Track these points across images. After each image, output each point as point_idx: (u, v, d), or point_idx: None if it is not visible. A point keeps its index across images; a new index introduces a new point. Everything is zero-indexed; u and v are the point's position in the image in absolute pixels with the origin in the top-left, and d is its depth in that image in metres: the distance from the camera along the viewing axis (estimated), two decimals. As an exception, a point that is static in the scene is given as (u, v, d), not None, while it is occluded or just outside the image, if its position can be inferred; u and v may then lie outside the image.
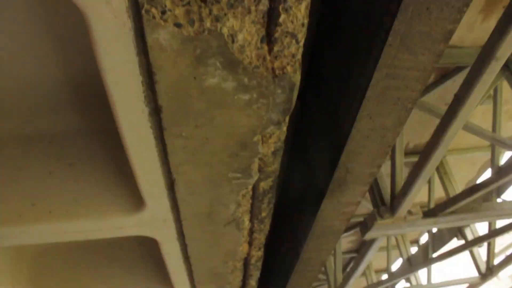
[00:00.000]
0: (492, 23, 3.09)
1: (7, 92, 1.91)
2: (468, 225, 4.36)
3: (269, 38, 1.07)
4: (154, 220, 1.86)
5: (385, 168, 3.27)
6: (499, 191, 3.57)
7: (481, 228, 4.67)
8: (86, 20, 1.00)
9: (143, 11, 0.97)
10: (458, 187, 4.35)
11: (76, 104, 1.95)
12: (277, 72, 1.14)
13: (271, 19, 1.03)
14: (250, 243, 2.27)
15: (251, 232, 2.15)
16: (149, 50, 1.05)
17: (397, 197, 2.38)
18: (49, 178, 1.97)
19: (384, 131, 1.59)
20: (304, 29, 1.08)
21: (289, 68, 1.14)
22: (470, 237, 4.42)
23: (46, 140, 2.04)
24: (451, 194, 4.04)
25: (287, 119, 1.31)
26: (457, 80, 3.46)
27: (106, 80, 1.14)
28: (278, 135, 1.40)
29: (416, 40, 1.26)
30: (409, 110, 1.53)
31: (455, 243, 5.02)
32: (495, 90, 3.32)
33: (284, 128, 1.38)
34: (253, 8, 1.00)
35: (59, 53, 1.73)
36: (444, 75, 3.45)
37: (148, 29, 1.00)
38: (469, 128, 2.76)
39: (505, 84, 3.33)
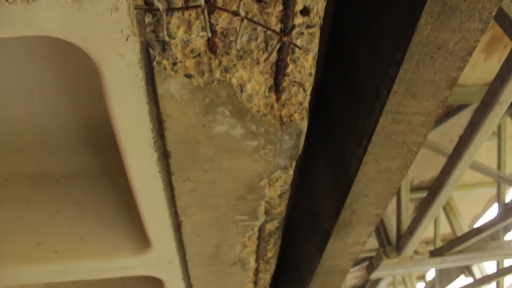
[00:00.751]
0: (494, 62, 3.14)
1: (17, 131, 1.94)
2: (476, 263, 4.31)
3: (277, 87, 1.10)
4: (160, 261, 1.85)
5: (390, 203, 3.26)
6: (507, 229, 3.54)
7: (489, 264, 4.61)
8: (98, 70, 1.03)
9: (154, 63, 1.00)
10: (464, 222, 4.32)
11: (85, 143, 1.97)
12: (284, 119, 1.16)
13: (279, 70, 1.06)
14: (255, 283, 2.25)
15: (257, 272, 2.13)
16: (159, 99, 1.07)
17: (403, 237, 2.37)
18: (56, 217, 1.97)
19: (390, 173, 1.60)
20: (312, 79, 1.10)
21: (296, 116, 1.16)
22: (478, 274, 4.36)
23: (54, 178, 2.05)
24: (457, 230, 4.01)
25: (294, 163, 1.33)
26: (461, 117, 3.48)
27: (116, 126, 1.16)
28: (285, 178, 1.41)
29: (421, 87, 1.28)
30: (415, 153, 1.54)
31: (462, 280, 4.95)
32: (499, 127, 3.33)
33: (291, 172, 1.39)
34: (261, 59, 1.03)
35: (69, 93, 1.77)
36: (448, 113, 3.48)
37: (159, 79, 1.03)
38: (474, 166, 2.76)
39: (508, 121, 3.35)
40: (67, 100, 1.78)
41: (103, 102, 1.14)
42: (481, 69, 3.15)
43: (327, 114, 1.86)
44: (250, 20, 0.87)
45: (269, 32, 0.97)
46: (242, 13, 0.85)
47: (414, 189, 4.24)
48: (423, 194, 4.22)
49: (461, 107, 3.37)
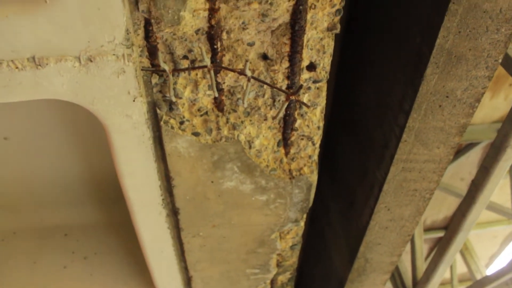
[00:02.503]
0: (500, 100, 3.14)
1: (25, 185, 1.94)
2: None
3: (285, 142, 1.09)
4: (170, 316, 1.80)
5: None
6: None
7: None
8: (106, 130, 1.03)
9: (161, 122, 1.00)
10: (481, 262, 4.20)
11: (93, 197, 1.96)
12: (294, 173, 1.14)
13: (287, 124, 1.05)
14: (268, 336, 2.18)
15: (270, 324, 2.07)
16: (167, 157, 1.07)
17: (419, 283, 2.30)
18: (64, 272, 1.94)
19: (403, 221, 1.57)
20: (320, 132, 1.09)
21: (306, 169, 1.14)
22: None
23: (62, 232, 2.04)
24: (474, 271, 3.90)
25: (305, 216, 1.30)
26: (471, 156, 3.45)
27: (125, 184, 1.15)
28: (296, 230, 1.38)
29: (430, 135, 1.26)
30: (428, 200, 1.52)
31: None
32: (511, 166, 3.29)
33: (302, 224, 1.36)
34: (269, 115, 1.02)
35: (77, 148, 1.77)
36: (457, 152, 3.44)
37: (166, 138, 1.03)
38: (489, 207, 2.70)
39: (520, 159, 3.30)
40: (75, 155, 1.79)
41: (111, 156, 1.14)
42: (488, 107, 3.14)
43: (335, 159, 1.84)
44: (257, 80, 0.87)
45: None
46: (249, 73, 0.85)
47: (427, 229, 4.16)
48: (437, 234, 4.14)
49: (470, 146, 3.34)
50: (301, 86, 0.80)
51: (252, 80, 0.88)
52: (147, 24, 0.86)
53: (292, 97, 0.84)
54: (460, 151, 3.46)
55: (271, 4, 0.84)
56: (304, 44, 0.92)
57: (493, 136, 2.87)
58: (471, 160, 3.50)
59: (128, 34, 0.85)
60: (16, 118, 1.65)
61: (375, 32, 1.38)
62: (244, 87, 0.94)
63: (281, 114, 0.88)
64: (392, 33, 1.25)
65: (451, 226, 1.84)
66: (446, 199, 3.75)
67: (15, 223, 2.06)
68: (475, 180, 1.62)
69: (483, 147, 3.31)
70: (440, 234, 4.13)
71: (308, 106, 0.82)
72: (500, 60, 1.13)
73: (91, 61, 0.89)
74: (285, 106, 0.86)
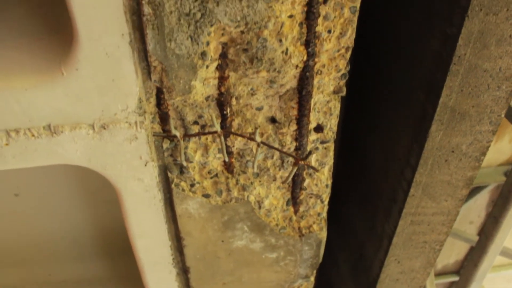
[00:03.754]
0: (504, 143, 3.15)
1: (35, 241, 1.95)
2: None
3: (294, 201, 1.10)
4: None
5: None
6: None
7: None
8: (118, 193, 1.04)
9: (172, 185, 1.02)
10: (495, 307, 4.10)
11: (102, 251, 1.96)
12: (303, 231, 1.15)
13: (295, 184, 1.07)
14: None
15: None
16: (178, 218, 1.08)
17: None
18: (72, 330, 1.91)
19: (413, 273, 1.56)
20: (329, 190, 1.10)
21: (315, 227, 1.15)
22: None
23: (71, 287, 2.02)
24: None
25: (315, 271, 1.29)
26: (479, 199, 3.43)
27: (135, 245, 1.16)
28: (306, 286, 1.37)
29: (437, 188, 1.27)
30: (438, 251, 1.51)
31: None
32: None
33: (312, 279, 1.35)
34: (278, 175, 1.04)
35: (87, 204, 1.79)
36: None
37: (177, 200, 1.04)
38: (501, 252, 2.67)
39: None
40: (84, 210, 1.80)
41: (120, 211, 1.15)
42: (493, 150, 3.15)
43: (343, 211, 1.84)
44: (266, 145, 0.89)
45: (284, 150, 0.99)
46: (258, 139, 0.88)
47: (438, 274, 4.09)
48: (449, 279, 4.06)
49: (477, 189, 3.33)
50: (310, 152, 0.82)
51: (261, 144, 0.91)
52: (159, 92, 0.89)
53: (301, 162, 0.86)
54: (467, 195, 3.45)
55: (278, 72, 0.87)
56: (311, 107, 0.95)
57: (500, 179, 2.87)
58: (479, 203, 3.47)
59: (140, 102, 0.88)
60: (26, 175, 1.67)
61: (380, 86, 1.41)
62: (254, 150, 0.96)
63: (290, 178, 0.90)
64: (396, 89, 1.28)
65: (463, 275, 1.82)
66: (456, 243, 3.70)
67: (24, 278, 2.05)
68: (485, 229, 1.61)
69: (490, 190, 3.29)
70: (452, 278, 4.05)
71: (317, 170, 0.83)
72: (503, 115, 1.16)
73: (104, 128, 0.91)
74: (295, 170, 0.88)
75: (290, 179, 0.90)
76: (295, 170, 0.88)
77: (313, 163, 1.04)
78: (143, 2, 0.76)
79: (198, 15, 0.77)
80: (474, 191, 3.45)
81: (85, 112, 0.90)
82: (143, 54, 0.84)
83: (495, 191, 3.32)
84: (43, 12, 1.07)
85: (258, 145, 0.88)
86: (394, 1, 1.25)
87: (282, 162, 1.02)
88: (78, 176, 1.66)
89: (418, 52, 1.14)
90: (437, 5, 1.04)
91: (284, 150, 0.99)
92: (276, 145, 0.98)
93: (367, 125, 1.53)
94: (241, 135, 0.89)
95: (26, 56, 0.92)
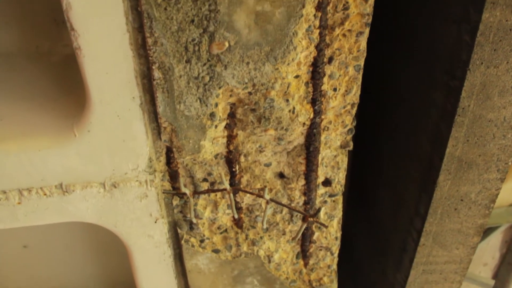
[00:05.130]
0: (515, 182, 3.12)
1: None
2: None
3: (304, 254, 1.09)
4: None
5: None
6: None
7: None
8: (128, 250, 1.05)
9: (182, 241, 1.02)
10: None
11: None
12: (314, 284, 1.14)
13: (305, 237, 1.07)
14: None
15: None
16: (187, 273, 1.07)
17: None
18: None
19: (428, 322, 1.52)
20: (338, 242, 1.10)
21: (325, 279, 1.14)
22: None
23: None
24: None
25: (327, 324, 1.27)
26: (492, 240, 3.38)
27: (145, 300, 1.15)
28: None
29: (448, 237, 1.26)
30: (452, 299, 1.48)
31: None
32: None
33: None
34: (287, 229, 1.04)
35: (97, 256, 1.78)
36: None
37: (187, 255, 1.04)
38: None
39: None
40: (93, 261, 1.79)
41: (129, 264, 1.14)
42: (504, 191, 3.13)
43: (354, 260, 1.82)
44: (275, 202, 0.90)
45: (293, 205, 0.99)
46: (267, 197, 0.88)
47: (453, 317, 3.98)
48: (464, 323, 3.95)
49: (489, 230, 3.29)
50: (319, 210, 0.83)
51: (270, 201, 0.91)
52: (169, 151, 0.91)
53: (310, 219, 0.87)
54: (479, 242, 3.40)
55: (286, 130, 0.89)
56: (319, 162, 0.96)
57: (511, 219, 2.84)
58: (492, 244, 3.42)
59: (150, 162, 0.90)
60: (35, 226, 1.68)
61: (386, 136, 1.42)
62: (263, 206, 0.97)
63: (300, 235, 0.90)
64: (402, 139, 1.29)
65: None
66: (469, 286, 3.63)
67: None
68: (500, 274, 1.59)
69: (503, 231, 3.25)
70: (468, 322, 3.94)
71: (326, 226, 0.84)
72: (510, 163, 1.16)
73: (115, 187, 0.93)
74: (304, 227, 0.88)
75: (299, 235, 0.91)
76: (304, 226, 0.88)
77: (322, 216, 1.05)
78: (154, 67, 0.78)
79: (207, 78, 0.80)
80: (487, 232, 3.40)
81: (96, 171, 0.92)
82: (153, 116, 0.86)
83: (508, 231, 3.28)
84: (57, 72, 1.11)
85: (267, 203, 0.89)
86: (394, 53, 1.28)
87: (291, 216, 1.02)
88: (87, 228, 1.66)
89: (422, 103, 1.16)
90: (438, 59, 1.06)
91: (293, 204, 1.00)
92: (285, 200, 0.99)
93: (375, 175, 1.53)
94: (250, 193, 0.90)
95: (40, 117, 0.95)
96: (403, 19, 1.20)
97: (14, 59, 1.18)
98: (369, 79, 1.37)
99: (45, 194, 0.95)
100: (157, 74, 0.79)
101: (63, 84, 1.05)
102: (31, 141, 0.90)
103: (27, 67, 1.15)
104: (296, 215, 1.02)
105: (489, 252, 3.49)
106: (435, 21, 1.05)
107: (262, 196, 0.89)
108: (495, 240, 3.37)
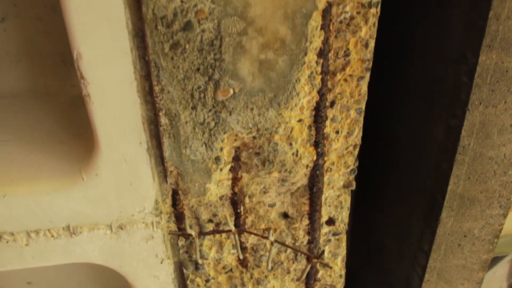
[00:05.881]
0: (520, 211, 3.11)
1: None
2: None
3: (309, 292, 1.10)
4: None
5: None
6: None
7: None
8: (134, 289, 1.05)
9: (188, 281, 1.03)
10: None
11: None
12: (319, 322, 1.14)
13: (309, 276, 1.07)
14: None
15: None
16: (193, 313, 1.08)
17: None
18: None
19: None
20: (342, 280, 1.10)
21: (331, 317, 1.14)
22: None
23: None
24: None
25: None
26: (498, 270, 3.35)
27: None
28: None
29: (453, 273, 1.27)
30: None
31: None
32: (540, 278, 3.18)
33: None
34: (292, 268, 1.05)
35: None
36: (483, 265, 3.35)
37: (192, 295, 1.05)
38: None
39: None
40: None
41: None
42: (510, 218, 3.12)
43: (359, 292, 1.81)
44: (280, 243, 0.91)
45: (297, 244, 1.00)
46: (272, 239, 0.90)
47: None
48: None
49: (496, 259, 3.26)
50: (323, 251, 0.84)
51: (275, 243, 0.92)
52: (175, 193, 0.93)
53: (315, 260, 0.87)
54: (484, 277, 3.37)
55: (290, 172, 0.91)
56: (323, 202, 0.97)
57: (517, 249, 2.81)
58: (499, 274, 3.39)
59: (157, 204, 0.92)
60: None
61: (388, 173, 1.44)
62: (268, 246, 0.98)
63: (304, 276, 0.91)
64: (404, 176, 1.31)
65: None
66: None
67: None
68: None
69: (510, 260, 3.22)
70: None
71: (330, 267, 0.85)
72: (512, 199, 1.17)
73: (121, 229, 0.94)
74: (308, 268, 0.89)
75: (304, 276, 0.91)
76: (309, 267, 0.89)
77: (326, 255, 1.05)
78: (160, 113, 0.81)
79: (212, 124, 0.82)
80: (493, 261, 3.37)
81: (103, 214, 0.93)
82: (159, 159, 0.88)
83: (513, 261, 3.24)
84: (65, 113, 1.13)
85: (272, 244, 0.90)
86: (396, 89, 1.30)
87: (296, 255, 1.03)
88: (92, 267, 1.66)
89: (423, 140, 1.18)
90: (438, 97, 1.08)
91: (297, 243, 1.01)
92: (289, 239, 1.00)
93: (379, 210, 1.54)
94: (255, 234, 0.91)
95: (49, 160, 0.97)
96: (405, 57, 1.23)
97: (22, 99, 1.21)
98: (372, 114, 1.39)
99: (52, 236, 0.96)
100: (163, 120, 0.81)
101: (71, 126, 1.08)
102: (40, 184, 0.92)
103: (35, 107, 1.17)
104: (301, 254, 1.02)
105: (496, 282, 3.46)
106: (435, 61, 1.08)
107: (266, 237, 0.90)
108: (501, 270, 3.34)
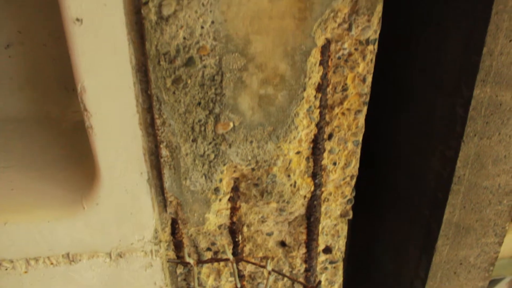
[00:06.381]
0: (516, 233, 3.12)
1: None
2: None
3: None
4: None
5: None
6: None
7: None
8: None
9: (186, 309, 1.03)
10: None
11: None
12: None
13: (307, 304, 1.08)
14: None
15: None
16: None
17: None
18: None
19: None
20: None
21: None
22: None
23: None
24: None
25: None
26: (495, 292, 3.34)
27: None
28: None
29: (449, 300, 1.27)
30: None
31: None
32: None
33: None
34: (289, 296, 1.06)
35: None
36: None
37: (190, 323, 1.05)
38: None
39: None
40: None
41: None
42: (508, 241, 3.12)
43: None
44: (277, 273, 0.92)
45: (294, 272, 1.01)
46: (269, 268, 0.91)
47: None
48: None
49: (493, 282, 3.26)
50: (319, 282, 0.85)
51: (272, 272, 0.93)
52: (174, 222, 0.94)
53: (312, 291, 0.89)
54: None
55: (287, 202, 0.92)
56: (320, 231, 0.99)
57: (514, 272, 2.82)
58: (495, 295, 3.39)
59: (156, 233, 0.93)
60: None
61: (386, 199, 1.45)
62: (265, 274, 0.99)
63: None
64: (401, 203, 1.32)
65: None
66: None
67: None
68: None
69: (507, 283, 3.22)
70: None
71: (327, 298, 0.85)
72: (507, 227, 1.19)
73: (121, 257, 0.95)
74: (306, 298, 0.90)
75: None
76: (306, 299, 0.90)
77: (322, 283, 1.06)
78: (161, 146, 0.82)
79: (212, 156, 0.84)
80: (491, 284, 3.37)
81: (103, 242, 0.94)
82: (160, 189, 0.89)
83: None
84: (67, 140, 1.15)
85: (269, 273, 0.91)
86: (393, 118, 1.32)
87: (293, 283, 1.04)
88: None
89: (420, 169, 1.19)
90: (434, 128, 1.10)
91: (294, 271, 1.01)
92: (286, 268, 1.01)
93: (377, 237, 1.55)
94: (253, 263, 0.92)
95: (50, 187, 0.98)
96: (404, 87, 1.25)
97: (26, 124, 1.23)
98: (369, 142, 1.41)
99: (52, 264, 0.97)
100: (164, 152, 0.83)
101: (72, 152, 1.09)
102: (41, 212, 0.93)
103: (37, 133, 1.19)
104: (297, 282, 1.03)
105: (492, 303, 3.44)
106: (431, 92, 1.10)
107: (264, 267, 0.91)
108: (498, 292, 3.34)
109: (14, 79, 1.22)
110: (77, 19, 0.72)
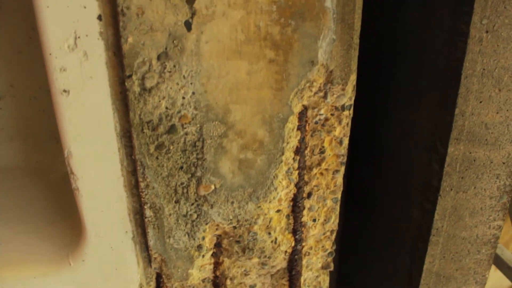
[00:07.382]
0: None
1: None
2: None
3: None
4: None
5: None
6: None
7: None
8: None
9: None
10: None
11: None
12: None
13: None
14: None
15: None
16: None
17: None
18: None
19: None
20: None
21: None
22: None
23: None
24: None
25: None
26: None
27: None
28: None
29: None
30: None
31: None
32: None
33: None
34: None
35: None
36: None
37: None
38: None
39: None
40: None
41: None
42: (494, 277, 3.14)
43: None
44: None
45: (277, 324, 1.03)
46: (251, 324, 0.93)
47: None
48: None
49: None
50: None
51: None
52: (159, 277, 0.96)
53: None
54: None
55: (269, 257, 0.94)
56: (301, 283, 1.01)
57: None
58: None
59: (141, 287, 0.95)
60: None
61: (370, 248, 1.47)
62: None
63: None
64: (383, 251, 1.35)
65: None
66: None
67: None
68: None
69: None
70: None
71: None
72: (487, 275, 1.21)
73: (106, 311, 0.97)
74: None
75: None
76: None
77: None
78: (145, 207, 0.85)
79: (194, 216, 0.86)
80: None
81: (89, 297, 0.96)
82: (144, 246, 0.91)
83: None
84: (55, 191, 1.17)
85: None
86: (375, 169, 1.36)
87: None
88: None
89: (401, 219, 1.22)
90: (413, 181, 1.14)
91: (278, 324, 1.03)
92: (270, 320, 1.03)
93: (362, 281, 1.57)
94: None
95: (37, 242, 1.00)
96: (384, 141, 1.29)
97: (14, 174, 1.25)
98: (352, 192, 1.45)
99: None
100: (148, 212, 0.86)
101: (60, 205, 1.12)
102: (28, 268, 0.95)
103: (26, 184, 1.21)
104: (281, 335, 1.05)
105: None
106: (410, 147, 1.14)
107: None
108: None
109: (5, 129, 1.25)
110: (64, 90, 0.75)
